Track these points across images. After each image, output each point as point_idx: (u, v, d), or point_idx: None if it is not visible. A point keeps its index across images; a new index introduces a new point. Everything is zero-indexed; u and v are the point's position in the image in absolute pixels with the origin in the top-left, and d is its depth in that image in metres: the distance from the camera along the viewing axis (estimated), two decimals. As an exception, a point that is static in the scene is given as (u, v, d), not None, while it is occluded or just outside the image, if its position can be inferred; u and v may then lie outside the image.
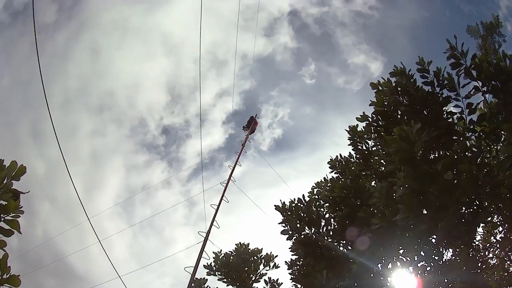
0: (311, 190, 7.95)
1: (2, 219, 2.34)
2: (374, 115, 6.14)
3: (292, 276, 7.72)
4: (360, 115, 6.33)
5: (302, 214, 7.29)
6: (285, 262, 8.06)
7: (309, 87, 30.48)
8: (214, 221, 12.00)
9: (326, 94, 30.94)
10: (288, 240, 7.42)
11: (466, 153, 5.43)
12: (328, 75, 30.95)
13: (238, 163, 14.76)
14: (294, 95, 32.27)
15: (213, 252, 10.35)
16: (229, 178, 13.89)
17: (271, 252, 10.33)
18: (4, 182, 2.29)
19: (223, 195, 13.03)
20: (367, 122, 6.30)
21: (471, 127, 5.64)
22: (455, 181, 5.05)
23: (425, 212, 5.26)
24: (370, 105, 6.05)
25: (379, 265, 6.22)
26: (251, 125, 16.94)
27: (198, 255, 10.59)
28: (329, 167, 7.80)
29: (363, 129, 7.23)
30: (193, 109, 29.99)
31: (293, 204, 7.39)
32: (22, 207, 2.38)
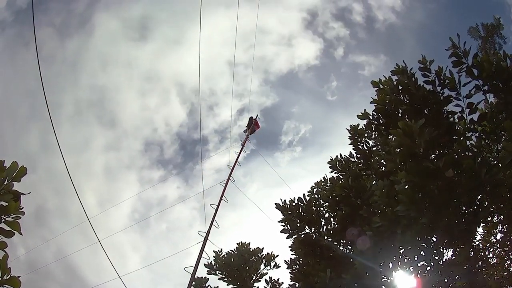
0: (310, 190, 7.94)
1: (3, 220, 2.33)
2: (375, 113, 6.15)
3: (292, 275, 7.72)
4: (361, 113, 6.34)
5: (302, 214, 7.29)
6: (285, 261, 8.06)
7: (322, 90, 30.59)
8: (214, 221, 12.00)
9: (335, 95, 31.04)
10: (288, 239, 7.44)
11: (466, 153, 5.44)
12: (338, 75, 31.04)
13: (237, 163, 14.74)
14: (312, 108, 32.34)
15: (213, 251, 10.36)
16: (228, 178, 13.84)
17: (271, 252, 10.34)
18: (5, 183, 2.29)
19: (222, 195, 12.99)
20: (368, 120, 6.31)
21: (472, 126, 5.64)
22: (456, 179, 5.05)
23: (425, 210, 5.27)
24: (371, 102, 6.07)
25: (380, 265, 6.23)
26: (252, 125, 16.88)
27: (198, 255, 10.57)
28: (329, 167, 7.80)
29: (364, 127, 7.23)
30: (213, 125, 29.86)
31: (294, 204, 7.39)
32: (22, 208, 2.37)
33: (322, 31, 30.10)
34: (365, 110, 6.31)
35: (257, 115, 17.81)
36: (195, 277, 9.87)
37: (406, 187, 5.05)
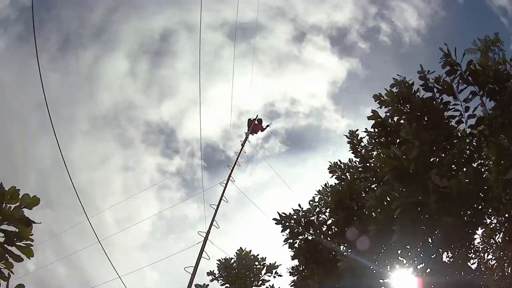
0: (312, 198, 8.00)
1: (14, 245, 2.37)
2: (374, 128, 6.22)
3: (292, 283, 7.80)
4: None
5: (301, 220, 7.36)
6: (287, 268, 8.13)
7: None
8: (214, 221, 12.04)
9: (347, 94, 31.27)
10: (290, 249, 7.48)
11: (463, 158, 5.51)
12: (348, 76, 31.25)
13: (237, 163, 14.75)
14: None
15: (217, 260, 10.40)
16: (228, 178, 13.84)
17: (275, 262, 10.42)
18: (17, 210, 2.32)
19: (222, 195, 13.01)
20: (369, 132, 6.41)
21: (470, 131, 5.71)
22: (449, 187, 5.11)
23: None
24: (368, 118, 6.15)
25: (377, 264, 6.30)
26: (251, 126, 16.87)
27: (198, 255, 10.61)
28: (329, 172, 7.88)
29: (367, 140, 7.34)
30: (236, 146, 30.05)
31: (290, 214, 7.47)
32: (33, 234, 2.42)
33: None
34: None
35: (257, 115, 17.76)
36: (196, 284, 9.95)
37: (401, 210, 5.13)
